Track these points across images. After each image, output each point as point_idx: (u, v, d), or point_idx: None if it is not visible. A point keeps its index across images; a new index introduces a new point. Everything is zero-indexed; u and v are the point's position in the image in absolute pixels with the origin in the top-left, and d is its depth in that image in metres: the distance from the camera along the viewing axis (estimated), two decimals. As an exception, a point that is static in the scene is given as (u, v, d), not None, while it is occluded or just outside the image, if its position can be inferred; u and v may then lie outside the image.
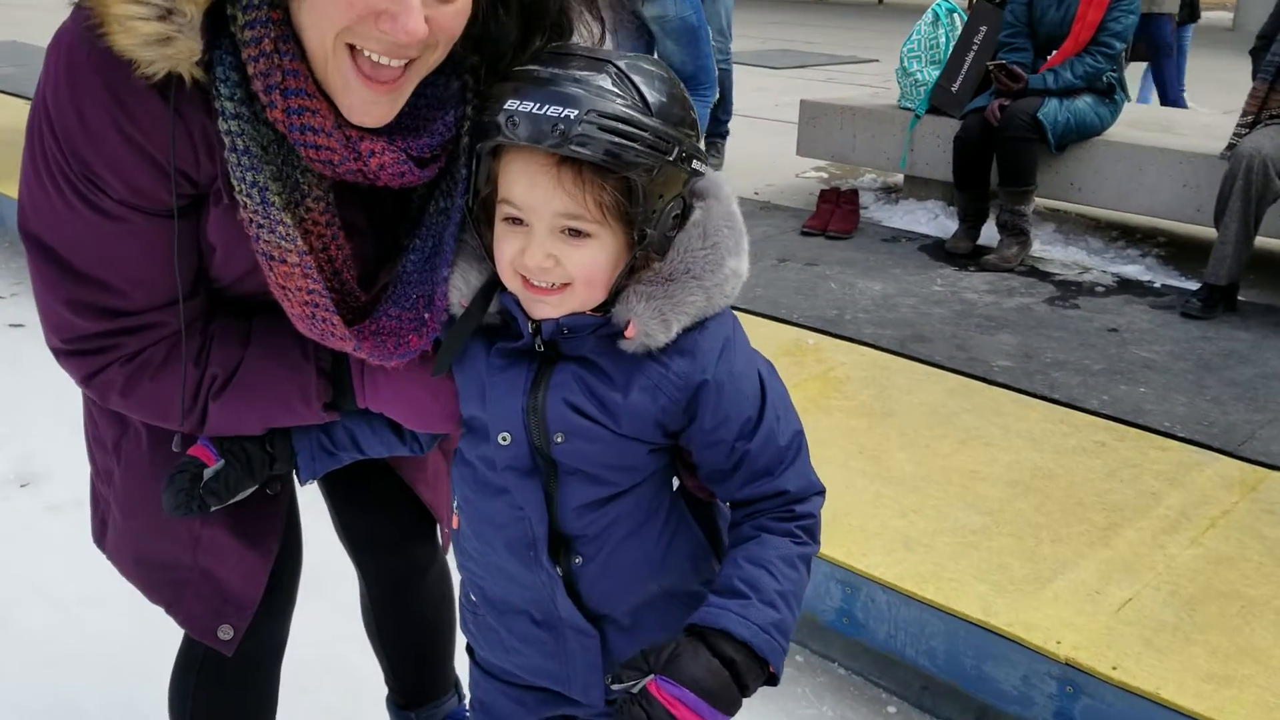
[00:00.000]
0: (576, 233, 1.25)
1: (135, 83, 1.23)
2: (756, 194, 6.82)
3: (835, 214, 5.85)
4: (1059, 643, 2.47)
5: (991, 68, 5.48)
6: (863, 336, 4.30)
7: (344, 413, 1.52)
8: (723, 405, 1.34)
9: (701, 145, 1.35)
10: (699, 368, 1.32)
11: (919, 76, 6.09)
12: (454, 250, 1.39)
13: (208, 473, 1.48)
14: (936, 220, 6.05)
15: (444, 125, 1.38)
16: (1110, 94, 5.49)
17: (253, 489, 1.54)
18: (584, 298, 1.30)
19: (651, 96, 1.25)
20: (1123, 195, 5.51)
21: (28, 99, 9.01)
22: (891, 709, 2.70)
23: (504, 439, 1.37)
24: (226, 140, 1.26)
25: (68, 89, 1.26)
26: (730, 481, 1.38)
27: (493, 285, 1.37)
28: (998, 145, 5.35)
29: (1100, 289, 5.06)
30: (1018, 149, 5.29)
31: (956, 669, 2.62)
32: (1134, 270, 5.39)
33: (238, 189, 1.28)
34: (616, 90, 1.22)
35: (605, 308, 1.32)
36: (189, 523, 1.58)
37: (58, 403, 3.97)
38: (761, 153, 7.76)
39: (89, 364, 1.39)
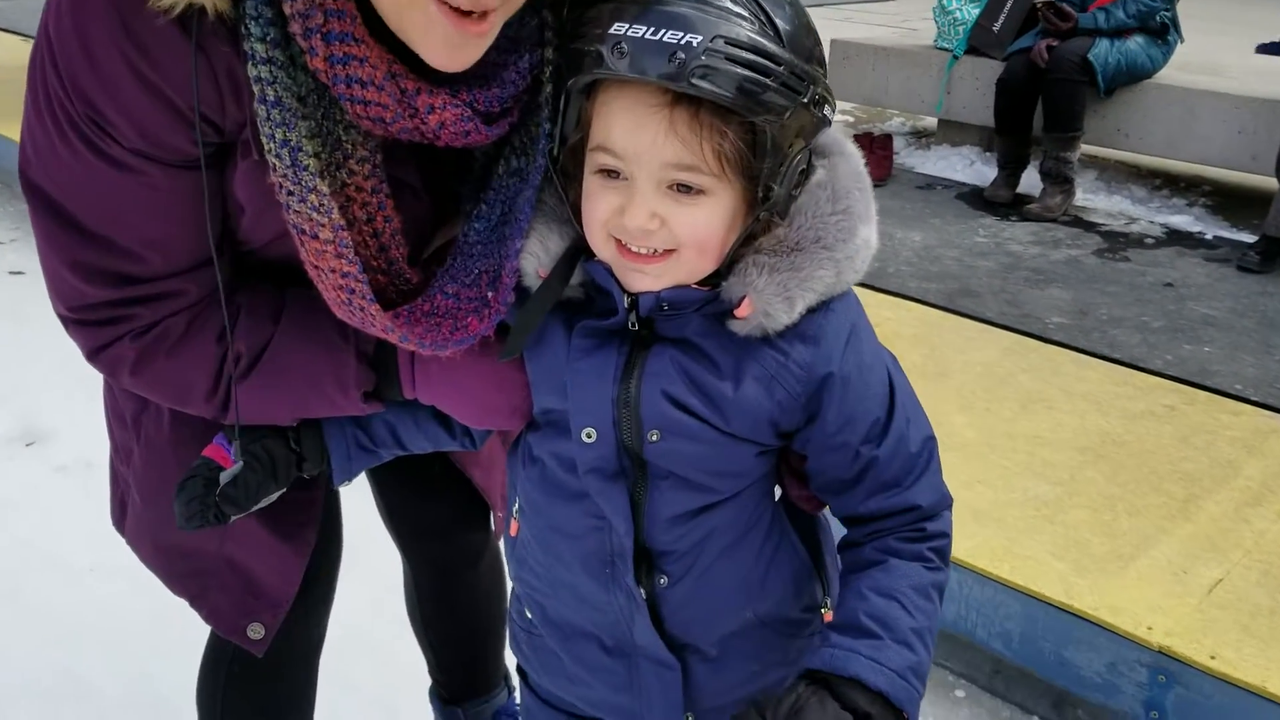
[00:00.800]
0: (687, 188, 1.06)
1: (150, 13, 1.05)
2: (782, 138, 6.55)
3: (869, 160, 5.38)
4: (1150, 628, 2.30)
5: (1039, 5, 5.23)
6: (908, 291, 4.10)
7: (388, 403, 1.32)
8: (849, 402, 1.15)
9: (829, 86, 1.14)
10: (824, 357, 1.14)
11: (958, 15, 5.82)
12: (530, 217, 1.19)
13: (224, 476, 1.29)
14: (973, 167, 5.82)
15: (517, 73, 1.18)
16: (1163, 34, 5.23)
17: (278, 494, 1.35)
18: (692, 267, 1.11)
19: (782, 23, 1.04)
20: (1173, 142, 5.27)
21: (26, 36, 8.78)
22: (959, 693, 2.54)
23: (588, 436, 1.17)
24: (256, 89, 1.07)
25: (72, 19, 1.08)
26: (852, 494, 1.19)
27: (577, 252, 1.18)
28: (1043, 88, 5.11)
29: (1150, 240, 4.85)
30: (1066, 92, 5.05)
31: (1033, 653, 2.45)
32: (1182, 221, 5.17)
33: (267, 147, 1.10)
34: (744, 12, 1.02)
35: (713, 280, 1.13)
36: None
37: (63, 355, 3.80)
38: (785, 95, 7.47)
39: (98, 336, 1.22)
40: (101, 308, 1.19)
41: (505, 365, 1.24)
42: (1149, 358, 3.61)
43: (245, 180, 1.17)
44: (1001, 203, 5.25)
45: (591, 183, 1.10)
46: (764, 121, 1.03)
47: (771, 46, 1.01)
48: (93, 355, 1.23)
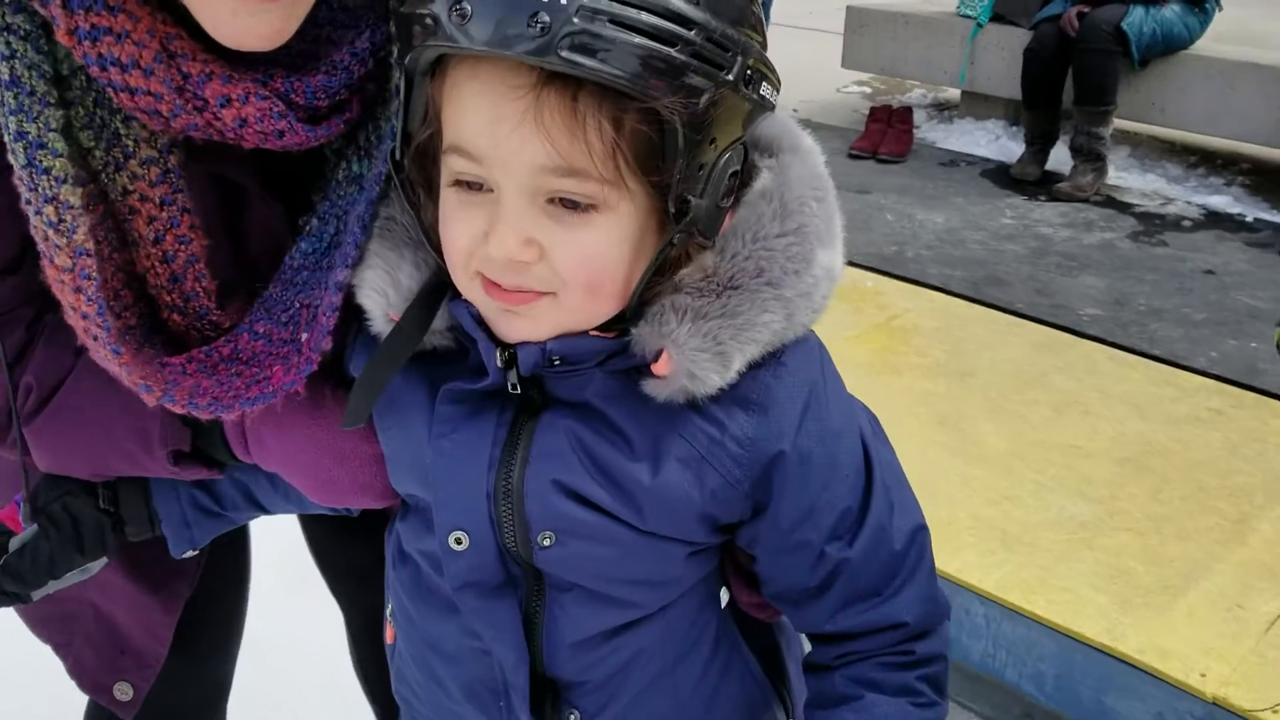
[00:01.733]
0: (572, 204, 0.79)
1: None
2: (795, 111, 6.25)
3: (887, 134, 5.32)
4: (1203, 675, 2.06)
5: (1071, -32, 4.89)
6: (928, 278, 3.81)
7: (219, 466, 1.05)
8: (810, 489, 0.89)
9: (768, 58, 0.86)
10: (773, 430, 0.87)
11: (983, -20, 5.49)
12: (360, 239, 0.94)
13: (13, 543, 1.05)
14: (998, 142, 5.52)
15: (353, 56, 0.94)
16: (1201, 2, 4.90)
17: (92, 566, 1.09)
18: (585, 310, 0.84)
19: None
20: (1211, 117, 4.95)
21: None
22: (985, 738, 2.29)
23: (457, 542, 0.91)
24: None
25: None
26: (817, 606, 0.93)
27: (439, 288, 0.90)
28: (1074, 58, 4.80)
29: (1187, 223, 4.55)
30: (1098, 63, 4.74)
31: (1070, 698, 2.22)
32: (1220, 201, 4.85)
33: (5, 135, 0.87)
34: None
35: (619, 324, 0.86)
36: None
37: None
38: (797, 64, 7.11)
39: None
40: None
41: (348, 434, 0.97)
42: (1192, 354, 3.33)
43: None
44: (1029, 181, 4.97)
45: (448, 198, 0.83)
46: (672, 106, 0.75)
47: (678, 2, 0.74)
48: None
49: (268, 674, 1.89)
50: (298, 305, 0.97)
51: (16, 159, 0.86)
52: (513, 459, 0.88)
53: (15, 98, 0.85)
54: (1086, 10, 4.78)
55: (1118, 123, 5.10)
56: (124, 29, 0.83)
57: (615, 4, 0.72)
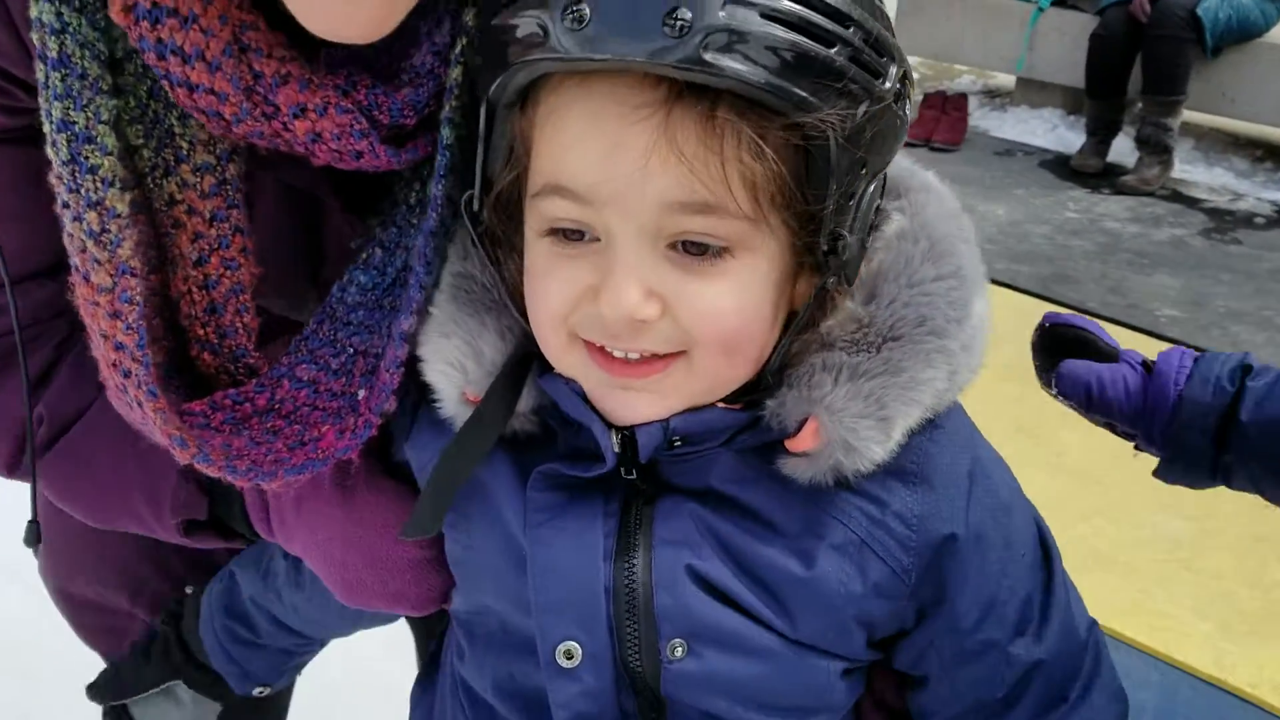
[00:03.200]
0: (701, 249, 0.66)
1: None
2: (842, 95, 6.11)
3: (941, 122, 5.16)
4: (1324, 715, 1.90)
5: (1144, -48, 4.70)
6: (994, 273, 3.58)
7: (238, 538, 0.92)
8: (988, 575, 0.75)
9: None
10: (943, 505, 0.73)
11: (1045, -37, 5.31)
12: (427, 278, 0.79)
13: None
14: (1055, 131, 5.35)
15: (433, 57, 0.78)
16: (1279, -12, 4.70)
17: (179, 693, 1.04)
18: (718, 375, 0.70)
19: None
20: (1285, 108, 4.76)
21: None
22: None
23: (568, 656, 0.74)
24: (35, 38, 0.72)
25: None
26: None
27: (526, 362, 0.76)
28: (1144, 46, 4.63)
29: (1259, 220, 4.39)
30: (1170, 51, 4.56)
31: (1170, 731, 2.06)
32: (1292, 198, 4.67)
33: (45, 126, 0.74)
34: None
35: (747, 394, 0.72)
36: (121, 558, 1.07)
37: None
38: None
39: None
40: None
41: (385, 534, 0.84)
42: (1279, 359, 3.16)
43: None
44: (1091, 173, 4.81)
45: (538, 250, 0.69)
46: (824, 124, 0.62)
47: (832, 2, 0.62)
48: None
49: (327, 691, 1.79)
50: (351, 351, 0.83)
51: (57, 153, 0.73)
52: (633, 547, 0.73)
53: (63, 80, 0.71)
54: (1158, -6, 4.60)
55: (1185, 113, 4.93)
56: (191, 11, 0.69)
57: (769, 11, 0.60)
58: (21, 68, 0.77)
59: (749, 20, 0.59)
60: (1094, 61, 4.80)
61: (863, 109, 0.64)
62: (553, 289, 0.68)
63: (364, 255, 0.83)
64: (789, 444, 0.70)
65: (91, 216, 0.75)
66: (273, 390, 0.83)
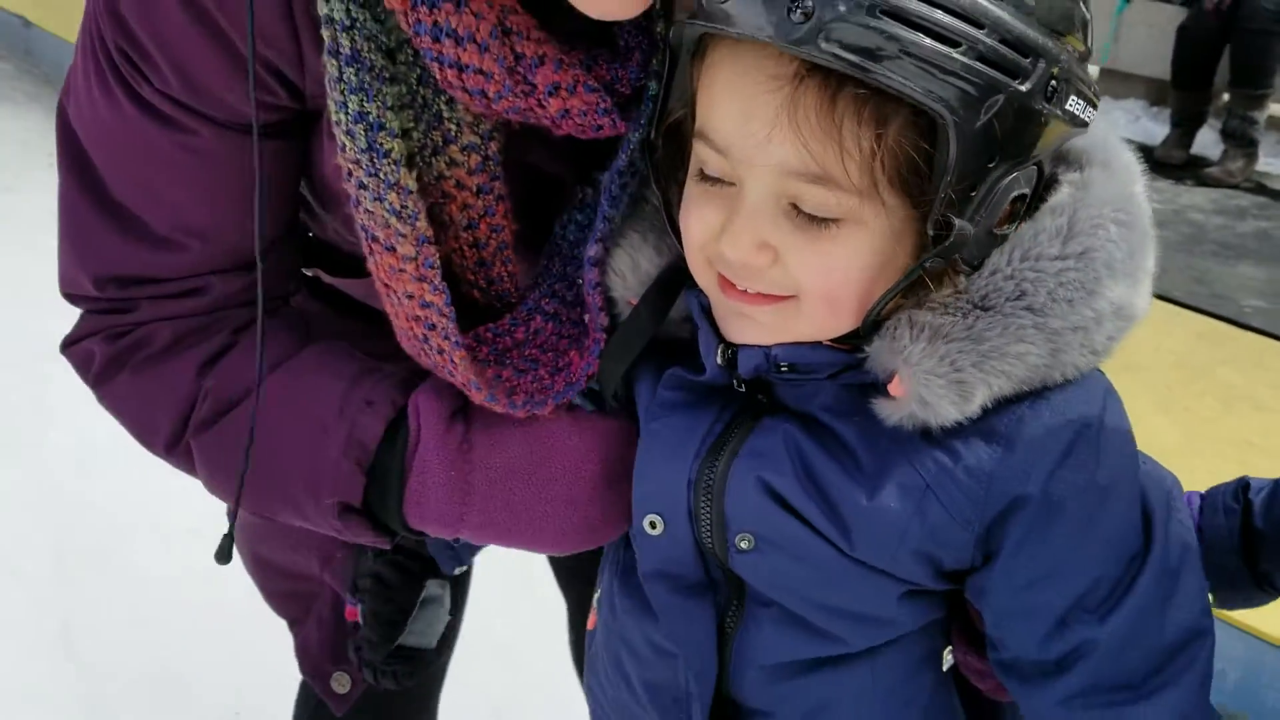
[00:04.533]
0: (814, 215, 0.72)
1: None
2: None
3: (1022, 112, 5.17)
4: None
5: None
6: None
7: (386, 535, 0.96)
8: (1054, 543, 0.77)
9: (1084, 69, 0.77)
10: (1020, 468, 0.76)
11: (1133, -46, 5.32)
12: (610, 209, 0.86)
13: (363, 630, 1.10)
14: (1138, 123, 5.35)
15: (641, 33, 0.85)
16: (1371, -19, 4.67)
17: (436, 595, 1.13)
18: (821, 322, 0.77)
19: None
20: (1374, 104, 4.73)
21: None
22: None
23: (652, 525, 0.86)
24: (326, 34, 0.78)
25: None
26: (1049, 689, 0.80)
27: (678, 276, 0.84)
28: (1233, 38, 4.65)
29: (1346, 213, 4.37)
30: (1259, 44, 4.58)
31: (1253, 701, 2.14)
32: (1378, 192, 4.65)
33: (336, 118, 0.81)
34: None
35: (857, 337, 0.78)
36: (318, 534, 1.11)
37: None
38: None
39: (82, 324, 0.96)
40: (103, 302, 0.93)
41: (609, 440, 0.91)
42: (1362, 350, 3.19)
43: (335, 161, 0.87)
44: (1175, 164, 4.82)
45: (691, 186, 0.78)
46: (948, 113, 0.67)
47: None
48: (65, 345, 0.97)
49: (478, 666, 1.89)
50: (580, 282, 0.91)
51: (355, 142, 0.80)
52: (720, 453, 0.83)
53: (357, 74, 0.78)
54: (1248, -12, 4.60)
55: (1270, 107, 4.92)
56: None
57: None
58: (292, 68, 0.84)
59: (870, 15, 0.65)
60: (1180, 54, 4.82)
61: (990, 106, 0.68)
62: (694, 222, 0.77)
63: (579, 195, 0.91)
64: (889, 387, 0.76)
65: (393, 196, 0.82)
66: (526, 324, 0.91)
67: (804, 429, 0.81)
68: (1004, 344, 0.74)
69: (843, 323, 0.77)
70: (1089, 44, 0.75)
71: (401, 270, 0.84)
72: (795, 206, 0.72)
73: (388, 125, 0.80)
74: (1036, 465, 0.76)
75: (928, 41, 0.65)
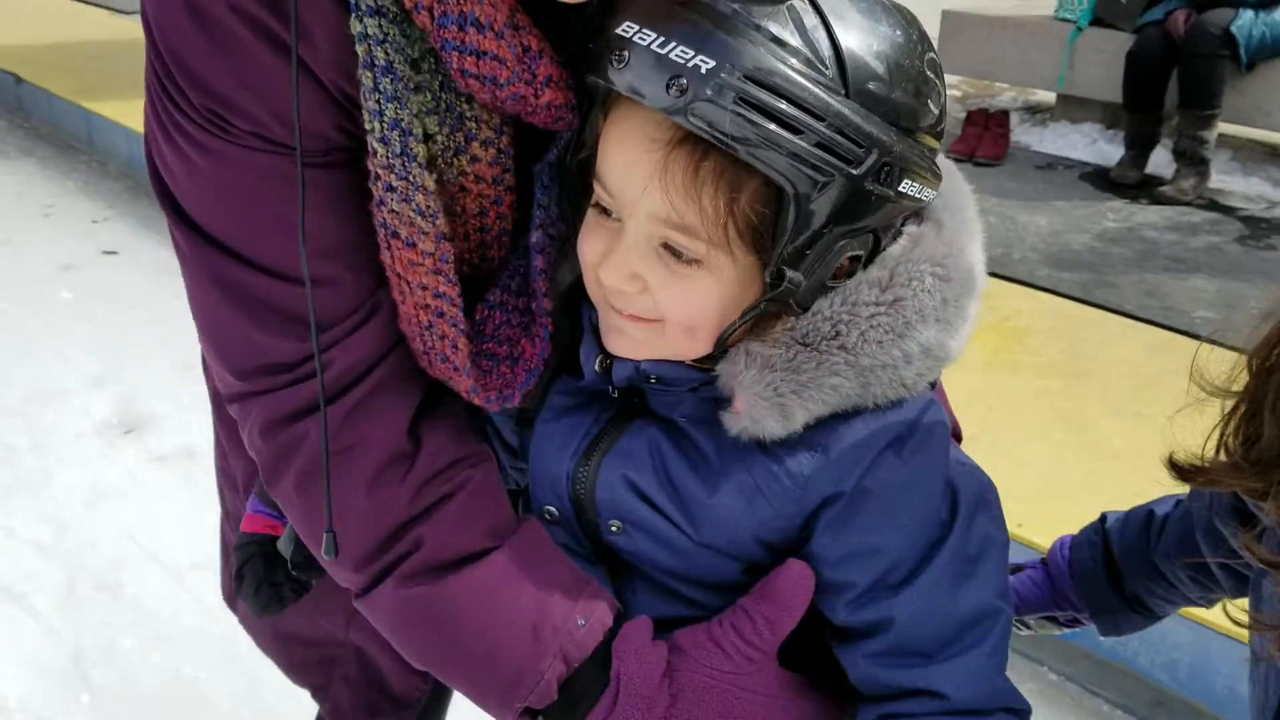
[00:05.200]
0: (679, 254, 0.84)
1: None
2: (887, 114, 6.28)
3: (984, 138, 5.35)
4: (1342, 668, 2.06)
5: (1179, -28, 4.88)
6: (1038, 280, 3.85)
7: None
8: (855, 530, 0.89)
9: (937, 151, 0.89)
10: (834, 472, 0.88)
11: (1083, -16, 5.49)
12: (543, 196, 0.94)
13: (282, 545, 1.10)
14: (1094, 145, 5.51)
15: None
16: (1311, 4, 4.85)
17: None
18: (680, 345, 0.89)
19: (858, 59, 0.79)
20: (1319, 121, 4.91)
21: (117, 10, 8.80)
22: (1116, 725, 2.34)
23: (549, 514, 0.98)
24: (360, 50, 0.84)
25: None
26: (855, 650, 0.92)
27: (580, 290, 0.96)
28: (1180, 62, 4.78)
29: (1295, 227, 4.52)
30: (1205, 67, 4.71)
31: (1204, 686, 2.25)
32: (1327, 206, 4.82)
33: (371, 126, 0.86)
34: (792, 38, 0.78)
35: (712, 359, 0.90)
36: (342, 594, 1.11)
37: (160, 339, 3.77)
38: (887, 69, 7.19)
39: (279, 402, 0.94)
40: (286, 368, 0.93)
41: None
42: (1309, 356, 3.32)
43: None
44: (1129, 184, 4.96)
45: (589, 214, 0.89)
46: (789, 188, 0.78)
47: (814, 91, 0.77)
48: (267, 431, 0.95)
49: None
50: (522, 270, 0.97)
51: (390, 147, 0.86)
52: (595, 452, 0.95)
53: (391, 84, 0.84)
54: (1193, 14, 4.78)
55: (1219, 126, 5.08)
56: None
57: (751, 85, 0.76)
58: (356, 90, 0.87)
59: (729, 101, 0.75)
60: (1131, 78, 4.96)
61: (824, 186, 0.78)
62: (586, 246, 0.88)
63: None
64: (733, 406, 0.87)
65: (420, 198, 0.87)
66: (484, 321, 0.96)
67: (666, 433, 0.93)
68: (819, 376, 0.85)
69: (699, 347, 0.88)
70: (939, 131, 0.86)
71: (419, 264, 0.90)
72: (666, 246, 0.84)
73: (415, 131, 0.86)
74: (849, 470, 0.87)
75: (774, 128, 0.76)
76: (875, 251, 0.88)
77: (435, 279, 0.91)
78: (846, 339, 0.86)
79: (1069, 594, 1.33)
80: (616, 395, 0.95)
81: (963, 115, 5.69)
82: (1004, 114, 5.58)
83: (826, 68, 0.78)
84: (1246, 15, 4.71)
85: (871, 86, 0.80)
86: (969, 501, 0.91)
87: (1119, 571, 1.29)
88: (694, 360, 0.90)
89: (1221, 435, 1.00)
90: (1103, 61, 5.35)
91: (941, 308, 0.88)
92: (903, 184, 0.83)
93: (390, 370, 0.94)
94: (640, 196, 0.83)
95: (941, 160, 0.93)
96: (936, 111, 0.85)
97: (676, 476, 0.92)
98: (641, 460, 0.93)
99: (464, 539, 0.93)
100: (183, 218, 0.92)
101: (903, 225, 0.89)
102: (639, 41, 0.78)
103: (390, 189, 0.87)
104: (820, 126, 0.77)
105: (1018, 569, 1.37)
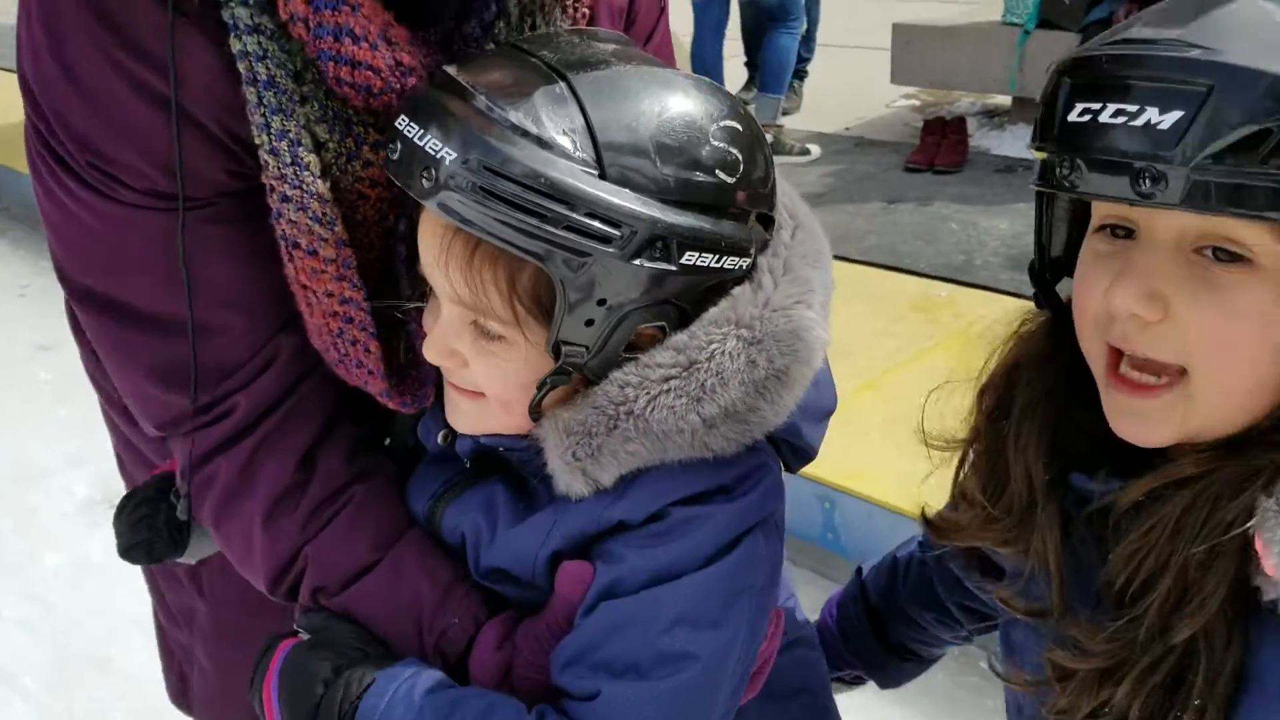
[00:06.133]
0: (487, 331, 0.89)
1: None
2: (848, 129, 6.37)
3: (942, 145, 5.41)
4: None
5: (1118, -30, 4.96)
6: (1000, 284, 3.90)
7: None
8: (627, 539, 0.91)
9: (748, 214, 0.89)
10: (625, 505, 0.91)
11: (1026, -12, 5.58)
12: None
13: (182, 509, 1.09)
14: (1052, 145, 5.55)
15: (478, 29, 0.98)
16: None
17: None
18: (500, 418, 0.94)
19: (615, 141, 0.81)
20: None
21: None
22: None
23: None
24: (242, 67, 0.87)
25: (40, 23, 0.87)
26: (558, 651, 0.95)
27: None
28: (1125, 58, 4.83)
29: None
30: (1149, 61, 4.77)
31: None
32: None
33: (259, 139, 0.90)
34: (545, 129, 0.80)
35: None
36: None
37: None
38: (845, 84, 7.26)
39: (200, 439, 0.99)
40: (197, 414, 0.97)
41: None
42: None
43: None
44: (1088, 181, 5.00)
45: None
46: (548, 269, 0.82)
47: (557, 177, 0.79)
48: (186, 471, 1.00)
49: None
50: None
51: (280, 159, 0.89)
52: (443, 500, 1.01)
53: (274, 96, 0.88)
54: (1137, 9, 4.85)
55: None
56: (356, 2, 0.86)
57: (489, 175, 0.78)
58: (242, 122, 0.90)
59: (474, 190, 0.79)
60: (1079, 77, 5.05)
61: (586, 265, 0.80)
62: (425, 321, 0.93)
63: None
64: None
65: (315, 205, 0.90)
66: (395, 325, 1.00)
67: (511, 488, 0.97)
68: (611, 442, 0.87)
69: (516, 420, 0.92)
70: (753, 196, 0.88)
71: (323, 271, 0.93)
72: (475, 323, 0.88)
73: (304, 141, 0.89)
74: (634, 510, 0.90)
75: (518, 215, 0.79)
76: (687, 319, 0.89)
77: (340, 285, 0.94)
78: (634, 405, 0.87)
79: (843, 654, 1.31)
80: (468, 465, 1.00)
81: (919, 125, 5.77)
82: (961, 120, 5.65)
83: (577, 151, 0.80)
84: (1186, 7, 4.79)
85: (632, 166, 0.81)
86: (744, 558, 0.91)
87: (881, 622, 1.27)
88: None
89: (958, 484, 0.98)
90: (1052, 62, 5.35)
91: (749, 370, 0.87)
92: (685, 257, 0.83)
93: (290, 409, 0.98)
94: (440, 282, 0.87)
95: (802, 214, 0.96)
96: (732, 180, 0.85)
97: (501, 512, 0.96)
98: (475, 511, 0.98)
99: (346, 556, 0.98)
100: (75, 287, 0.95)
101: (732, 287, 0.90)
102: (405, 132, 0.83)
103: (285, 199, 0.91)
104: (563, 210, 0.79)
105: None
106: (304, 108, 0.89)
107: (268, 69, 0.87)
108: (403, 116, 0.84)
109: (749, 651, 0.95)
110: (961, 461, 1.01)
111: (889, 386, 3.12)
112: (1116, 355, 0.83)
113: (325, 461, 0.99)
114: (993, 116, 6.21)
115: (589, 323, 0.85)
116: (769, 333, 0.88)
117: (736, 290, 0.90)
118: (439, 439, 1.00)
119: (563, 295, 0.83)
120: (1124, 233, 0.81)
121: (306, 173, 0.90)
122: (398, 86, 0.90)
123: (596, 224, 0.80)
